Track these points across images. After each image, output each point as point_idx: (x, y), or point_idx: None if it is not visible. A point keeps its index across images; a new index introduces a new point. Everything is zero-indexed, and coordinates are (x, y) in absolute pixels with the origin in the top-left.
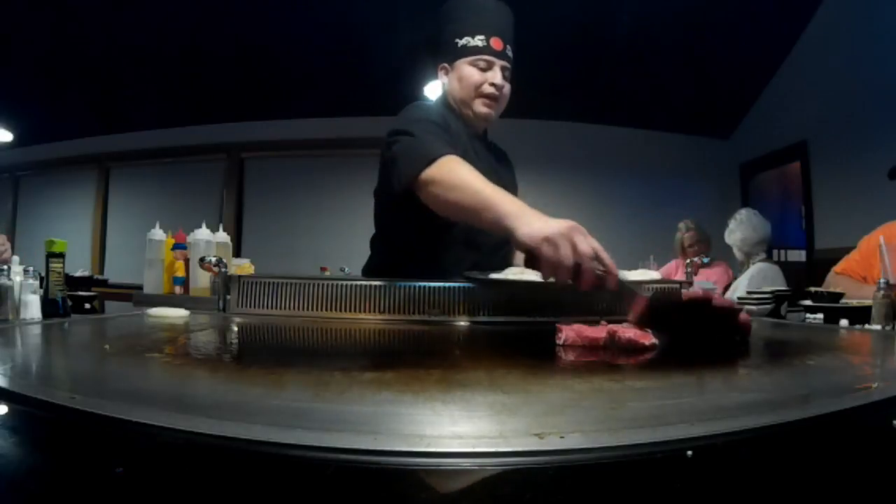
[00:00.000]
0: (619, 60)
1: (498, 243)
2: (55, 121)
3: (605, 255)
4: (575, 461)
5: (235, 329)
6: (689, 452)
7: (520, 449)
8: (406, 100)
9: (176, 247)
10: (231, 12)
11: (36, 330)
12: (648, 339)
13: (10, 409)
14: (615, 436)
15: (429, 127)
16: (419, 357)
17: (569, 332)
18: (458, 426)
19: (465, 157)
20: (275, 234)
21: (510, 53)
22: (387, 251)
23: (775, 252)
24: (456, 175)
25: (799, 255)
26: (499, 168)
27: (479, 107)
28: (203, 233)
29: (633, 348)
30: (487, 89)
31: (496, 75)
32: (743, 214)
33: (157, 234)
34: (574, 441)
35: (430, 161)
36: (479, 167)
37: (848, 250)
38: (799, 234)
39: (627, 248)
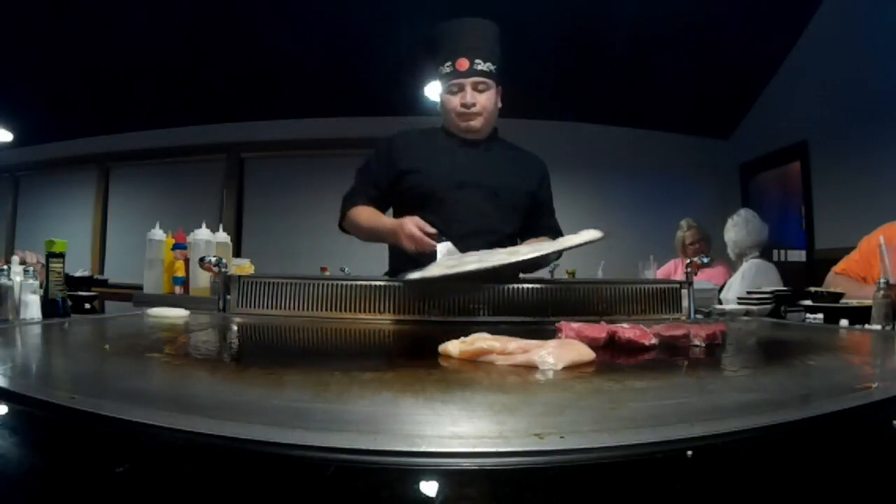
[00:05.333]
0: (619, 60)
1: (464, 234)
2: (55, 121)
3: (427, 227)
4: (575, 461)
5: (235, 329)
6: (689, 452)
7: (520, 449)
8: (405, 100)
9: (176, 247)
10: (231, 12)
11: (36, 330)
12: (648, 338)
13: (10, 409)
14: (615, 436)
15: (366, 173)
16: (419, 357)
17: (569, 332)
18: (458, 426)
19: (436, 165)
20: (275, 234)
21: (481, 66)
22: (389, 253)
23: (775, 252)
24: (356, 220)
25: (799, 255)
26: (499, 167)
27: (459, 123)
28: (203, 233)
29: (633, 348)
30: (459, 110)
31: (465, 95)
32: (742, 215)
33: (157, 234)
34: (574, 441)
35: (343, 215)
36: (460, 171)
37: (848, 250)
38: (799, 234)
39: (627, 247)
